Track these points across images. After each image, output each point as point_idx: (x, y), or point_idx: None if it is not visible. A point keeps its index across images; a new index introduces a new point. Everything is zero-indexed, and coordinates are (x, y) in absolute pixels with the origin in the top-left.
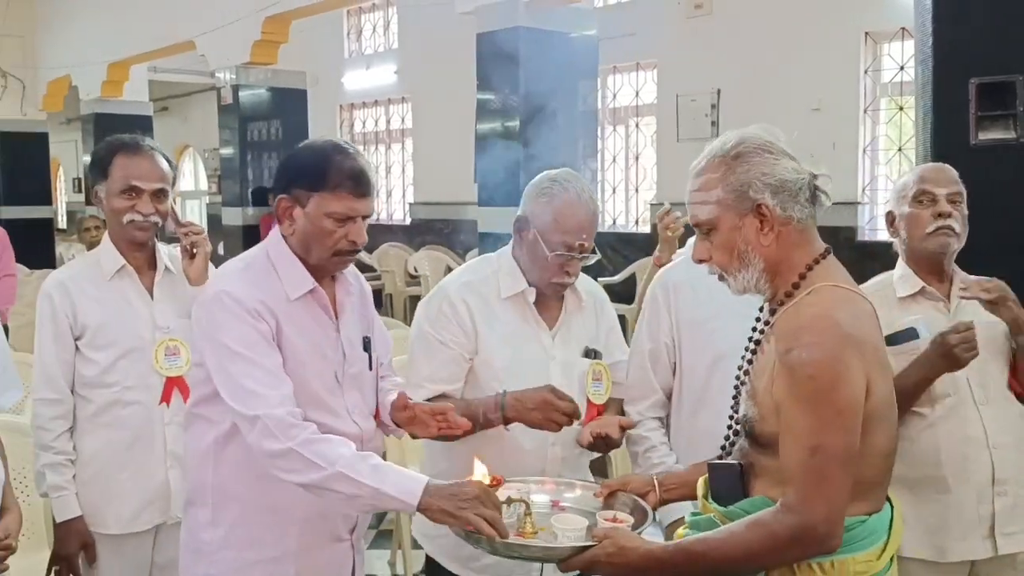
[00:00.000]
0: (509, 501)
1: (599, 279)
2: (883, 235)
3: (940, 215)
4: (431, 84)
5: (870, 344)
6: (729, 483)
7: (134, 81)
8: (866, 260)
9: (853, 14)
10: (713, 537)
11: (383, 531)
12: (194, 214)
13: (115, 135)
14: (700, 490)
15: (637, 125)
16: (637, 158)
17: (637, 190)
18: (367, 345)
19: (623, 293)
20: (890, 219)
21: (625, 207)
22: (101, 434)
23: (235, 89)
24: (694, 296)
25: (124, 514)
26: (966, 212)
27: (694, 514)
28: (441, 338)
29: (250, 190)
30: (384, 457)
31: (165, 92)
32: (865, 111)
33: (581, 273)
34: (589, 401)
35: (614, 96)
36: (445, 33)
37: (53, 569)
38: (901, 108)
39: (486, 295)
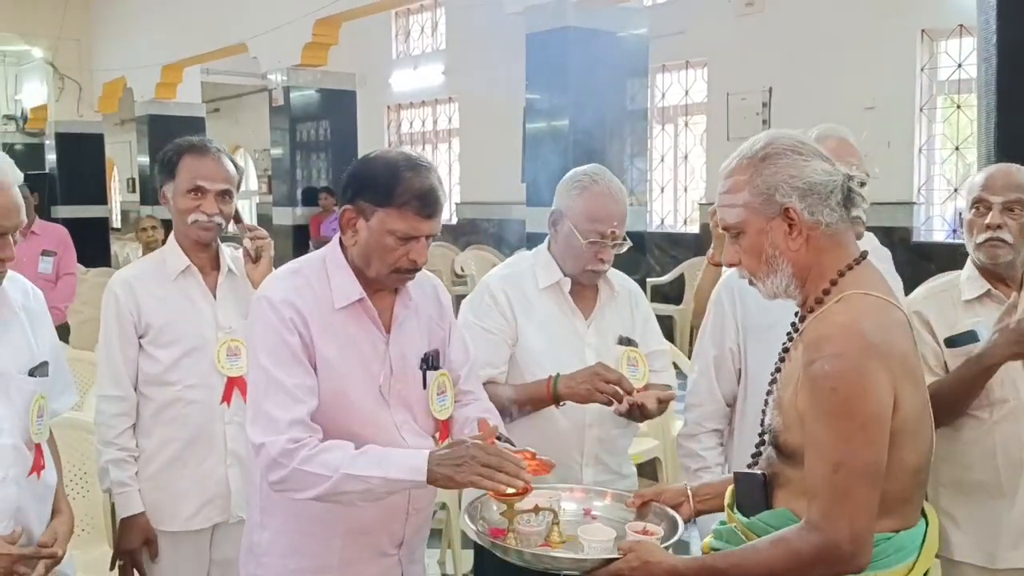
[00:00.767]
0: (537, 509)
1: (648, 280)
2: (939, 236)
3: (989, 227)
4: (478, 84)
5: (898, 355)
6: (752, 493)
7: (187, 83)
8: (921, 261)
9: (909, 11)
10: (737, 553)
11: (433, 530)
12: (244, 214)
13: (183, 137)
14: (727, 499)
15: (686, 124)
16: (686, 157)
17: (686, 190)
18: (431, 362)
19: (671, 294)
20: (960, 219)
21: (674, 207)
22: (162, 432)
23: (286, 90)
24: (760, 300)
25: (184, 512)
26: None
27: (721, 523)
28: (485, 326)
29: (300, 190)
30: None
31: (217, 94)
32: (921, 109)
33: (616, 269)
34: None
35: (663, 95)
36: (493, 33)
37: (117, 563)
38: (958, 106)
39: (524, 287)
